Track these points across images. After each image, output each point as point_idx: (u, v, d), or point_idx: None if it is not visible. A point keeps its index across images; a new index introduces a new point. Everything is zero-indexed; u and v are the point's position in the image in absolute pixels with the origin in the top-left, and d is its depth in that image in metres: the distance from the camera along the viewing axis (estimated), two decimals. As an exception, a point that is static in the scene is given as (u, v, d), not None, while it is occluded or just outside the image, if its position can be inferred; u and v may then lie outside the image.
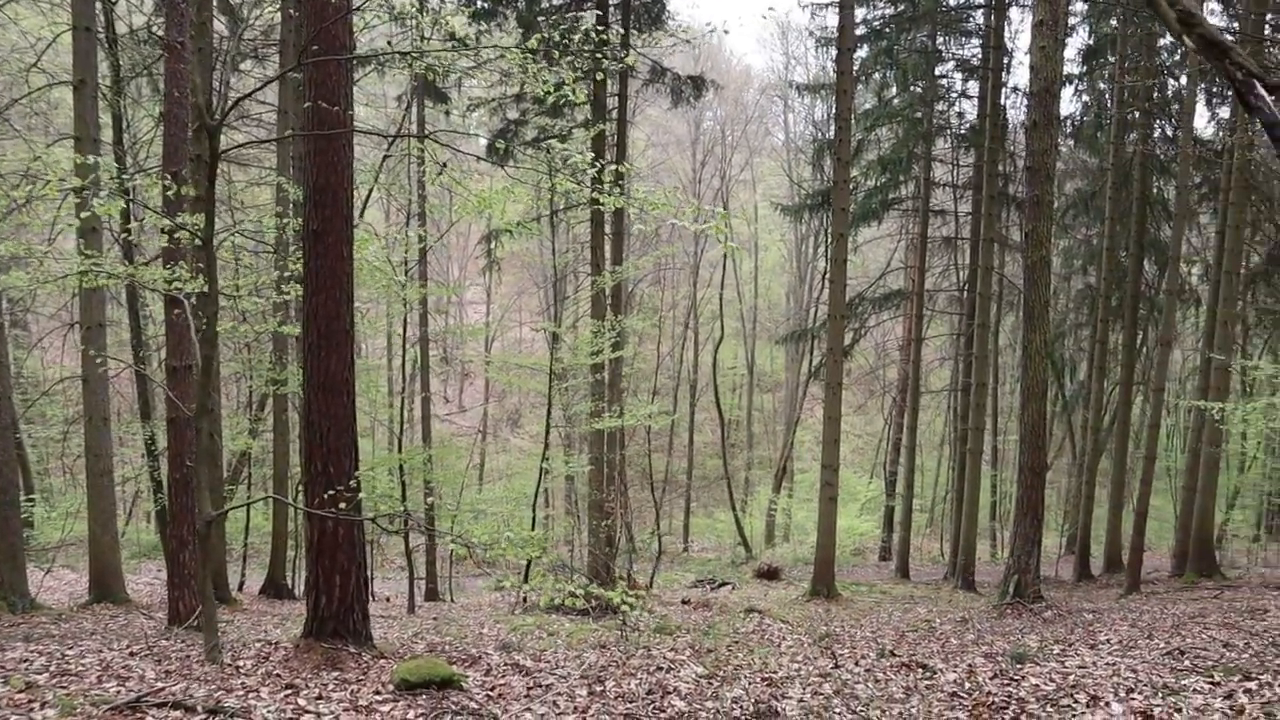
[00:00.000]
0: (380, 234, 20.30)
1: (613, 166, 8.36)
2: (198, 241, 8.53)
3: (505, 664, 9.02)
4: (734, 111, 42.98)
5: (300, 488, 9.56)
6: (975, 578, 19.56)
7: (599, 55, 9.30)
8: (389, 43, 16.81)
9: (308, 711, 6.46)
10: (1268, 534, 29.96)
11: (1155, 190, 23.61)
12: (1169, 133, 23.36)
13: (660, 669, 9.08)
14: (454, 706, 6.90)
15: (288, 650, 8.48)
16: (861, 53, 23.90)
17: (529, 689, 7.96)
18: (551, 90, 8.69)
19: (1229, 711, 6.11)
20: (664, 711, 7.36)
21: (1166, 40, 21.60)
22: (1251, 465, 28.41)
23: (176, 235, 9.63)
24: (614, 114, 19.49)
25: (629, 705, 7.51)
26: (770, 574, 23.42)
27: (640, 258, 25.76)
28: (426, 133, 18.16)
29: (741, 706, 7.53)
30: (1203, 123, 39.39)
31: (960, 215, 25.94)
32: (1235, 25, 21.46)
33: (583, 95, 9.01)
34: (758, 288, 43.12)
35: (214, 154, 7.66)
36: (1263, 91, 2.53)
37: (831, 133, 20.31)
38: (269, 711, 6.36)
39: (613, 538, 19.14)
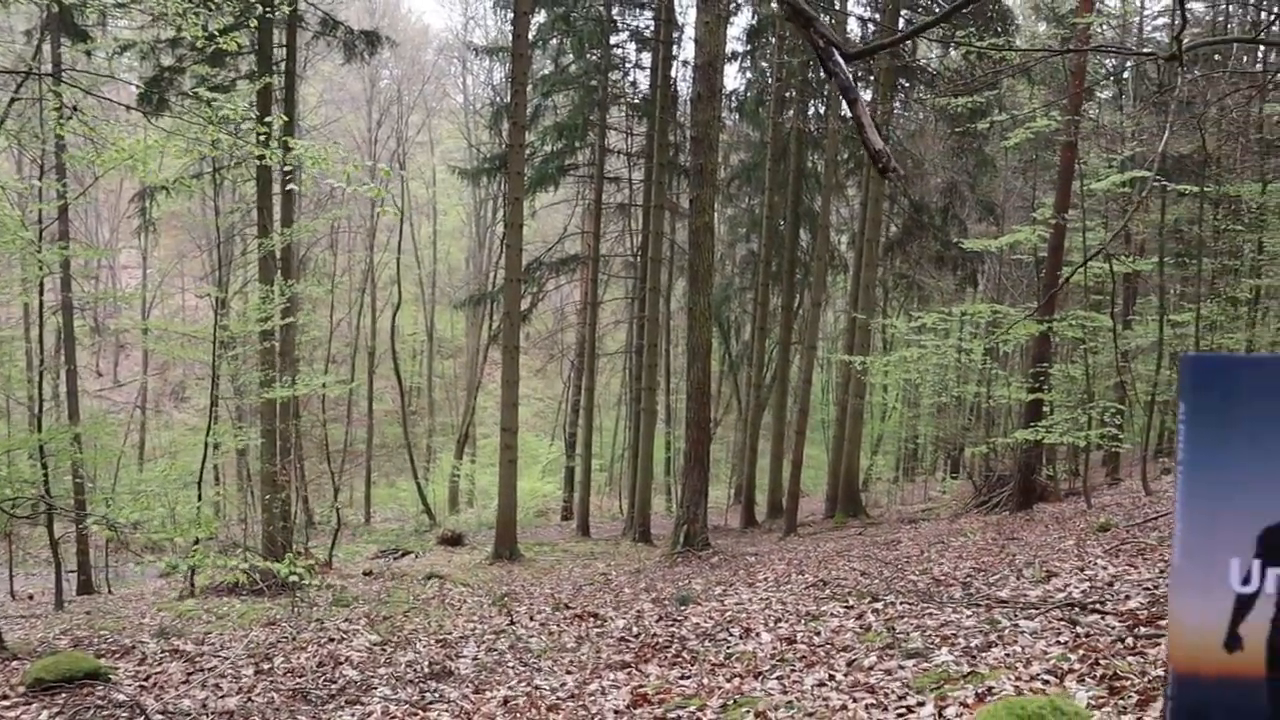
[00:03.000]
0: (9, 187, 18.08)
1: (269, 119, 7.92)
2: None
3: (163, 651, 8.43)
4: (411, 71, 41.90)
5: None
6: (651, 530, 20.46)
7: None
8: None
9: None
10: (904, 476, 33.54)
11: (809, 164, 25.47)
12: (820, 111, 25.24)
13: (333, 640, 8.83)
14: (99, 700, 6.36)
15: (-109, 660, 7.47)
16: (539, 18, 24.01)
17: (189, 674, 7.50)
18: (202, 36, 8.10)
19: (859, 629, 6.78)
20: (335, 682, 7.18)
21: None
22: (891, 415, 31.59)
23: None
24: (282, 66, 18.41)
25: (298, 680, 7.26)
26: (454, 540, 23.32)
27: (313, 220, 24.60)
28: (62, 74, 16.32)
29: (415, 669, 7.49)
30: (848, 103, 42.81)
31: (634, 182, 26.79)
32: (878, 16, 23.56)
33: (237, 43, 8.45)
34: (437, 252, 42.44)
35: None
36: (840, 59, 2.78)
37: (509, 96, 20.27)
38: None
39: (288, 512, 18.31)
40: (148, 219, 21.86)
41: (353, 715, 6.22)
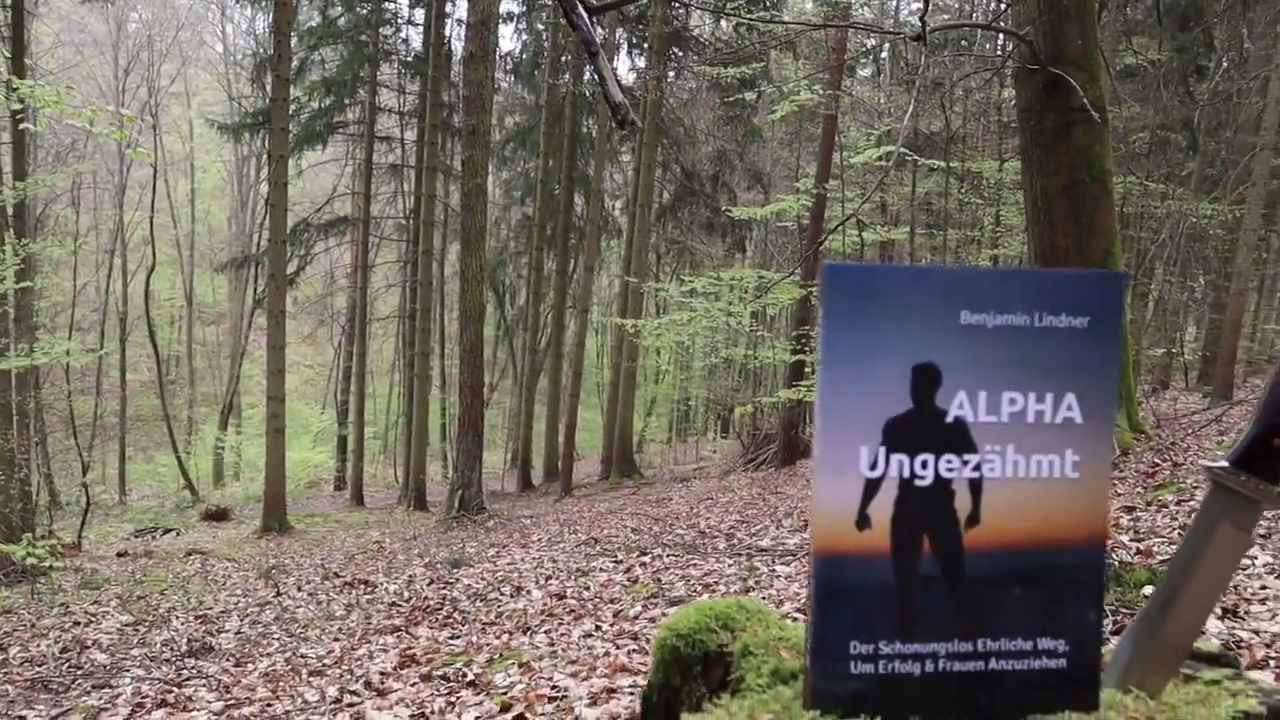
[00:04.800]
0: None
1: (-9, 58, 7.23)
2: None
3: None
4: (164, 15, 38.96)
5: None
6: (428, 497, 20.18)
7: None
8: None
9: None
10: (678, 436, 34.50)
11: (584, 129, 25.55)
12: (596, 76, 25.33)
13: (79, 625, 8.29)
14: None
15: None
16: (304, -34, 22.96)
17: (-99, 674, 6.85)
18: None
19: (627, 582, 6.98)
20: (81, 668, 6.76)
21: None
22: (664, 377, 32.37)
23: None
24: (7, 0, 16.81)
25: (38, 669, 6.79)
26: (220, 515, 22.29)
27: (52, 173, 22.63)
28: None
29: (172, 648, 7.16)
30: (624, 69, 43.16)
31: (406, 143, 26.13)
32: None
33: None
34: (195, 211, 39.87)
35: None
36: (583, 11, 2.83)
37: (272, 47, 19.29)
38: None
39: (29, 493, 16.95)
40: None
41: (99, 699, 5.87)
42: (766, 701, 0.95)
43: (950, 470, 0.92)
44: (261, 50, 29.47)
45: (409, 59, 25.56)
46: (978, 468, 0.93)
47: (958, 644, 0.95)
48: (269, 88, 20.49)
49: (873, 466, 0.90)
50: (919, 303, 0.90)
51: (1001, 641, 0.96)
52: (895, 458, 0.90)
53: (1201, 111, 18.88)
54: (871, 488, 0.90)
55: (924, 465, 0.91)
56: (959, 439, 0.92)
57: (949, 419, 0.92)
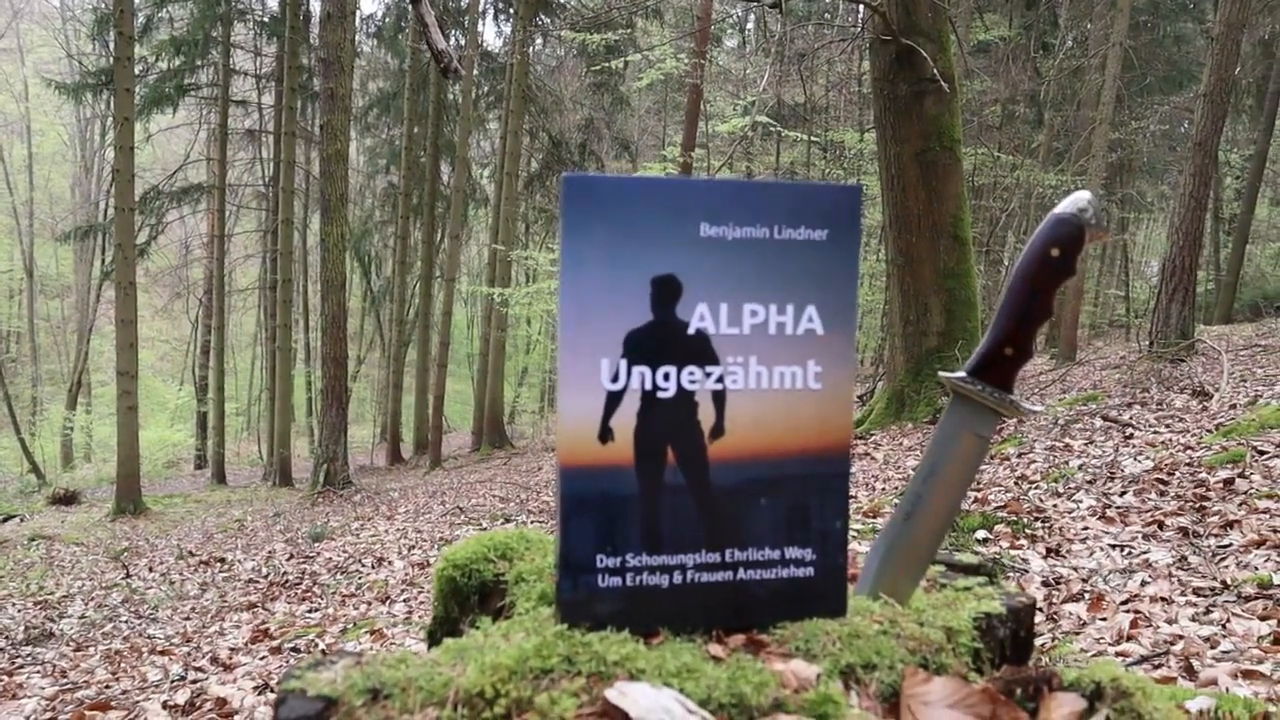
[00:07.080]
0: None
1: None
2: None
3: None
4: (-10, -36, 36.51)
5: None
6: (294, 474, 19.71)
7: None
8: None
9: None
10: (550, 406, 34.43)
11: (450, 95, 25.07)
12: (461, 41, 24.88)
13: (-104, 618, 7.82)
14: None
15: None
16: (148, -83, 21.80)
17: None
18: None
19: (489, 549, 6.96)
20: (-101, 663, 6.38)
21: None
22: (535, 347, 32.21)
23: None
24: None
25: None
26: (68, 499, 21.27)
27: None
28: None
29: (8, 636, 6.83)
30: (491, 36, 42.59)
31: (264, 107, 25.19)
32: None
33: None
34: (34, 178, 37.52)
35: None
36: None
37: (113, 2, 18.27)
38: None
39: None
40: None
41: (-79, 692, 5.56)
42: (524, 621, 0.95)
43: (693, 382, 0.93)
44: (102, 4, 27.83)
45: (265, 19, 24.58)
46: (721, 379, 0.94)
47: (705, 555, 0.96)
48: (112, 45, 19.39)
49: (614, 379, 0.90)
50: (659, 214, 0.90)
51: (749, 551, 0.97)
52: (637, 370, 0.90)
53: (1047, 87, 19.69)
54: (614, 400, 0.90)
55: (666, 377, 0.92)
56: (701, 351, 0.93)
57: (691, 331, 0.92)
